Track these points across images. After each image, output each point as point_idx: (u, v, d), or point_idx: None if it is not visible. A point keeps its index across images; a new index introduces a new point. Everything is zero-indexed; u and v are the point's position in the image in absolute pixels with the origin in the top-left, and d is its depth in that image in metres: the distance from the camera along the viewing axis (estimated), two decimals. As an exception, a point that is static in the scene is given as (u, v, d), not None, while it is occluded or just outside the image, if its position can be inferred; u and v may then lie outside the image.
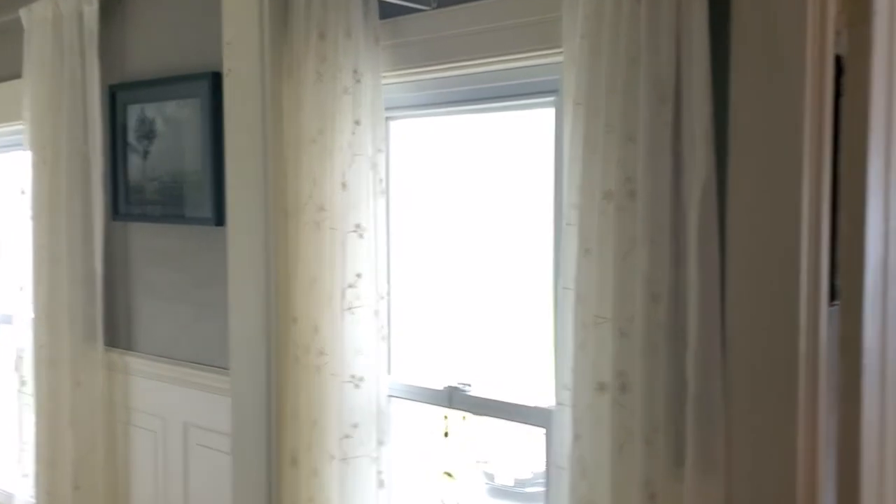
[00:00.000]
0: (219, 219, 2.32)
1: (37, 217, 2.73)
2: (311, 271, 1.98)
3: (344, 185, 1.92)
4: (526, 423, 1.85)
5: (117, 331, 2.70)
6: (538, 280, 1.97)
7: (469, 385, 1.94)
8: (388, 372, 2.04)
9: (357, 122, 1.90)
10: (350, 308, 1.92)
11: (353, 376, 1.94)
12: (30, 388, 2.78)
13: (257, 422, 2.10)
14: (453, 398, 1.95)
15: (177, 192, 2.44)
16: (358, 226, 1.92)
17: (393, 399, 2.04)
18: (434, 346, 2.22)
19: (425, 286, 2.19)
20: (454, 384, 1.95)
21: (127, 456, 2.65)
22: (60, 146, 2.65)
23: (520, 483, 2.41)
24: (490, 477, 2.46)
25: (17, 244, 2.90)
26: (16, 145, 3.20)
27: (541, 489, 2.10)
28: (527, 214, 2.06)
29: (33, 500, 2.78)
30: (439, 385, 1.98)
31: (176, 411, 2.49)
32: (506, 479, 2.43)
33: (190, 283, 2.46)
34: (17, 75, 2.83)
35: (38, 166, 2.72)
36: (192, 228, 2.43)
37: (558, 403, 1.61)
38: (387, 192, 2.00)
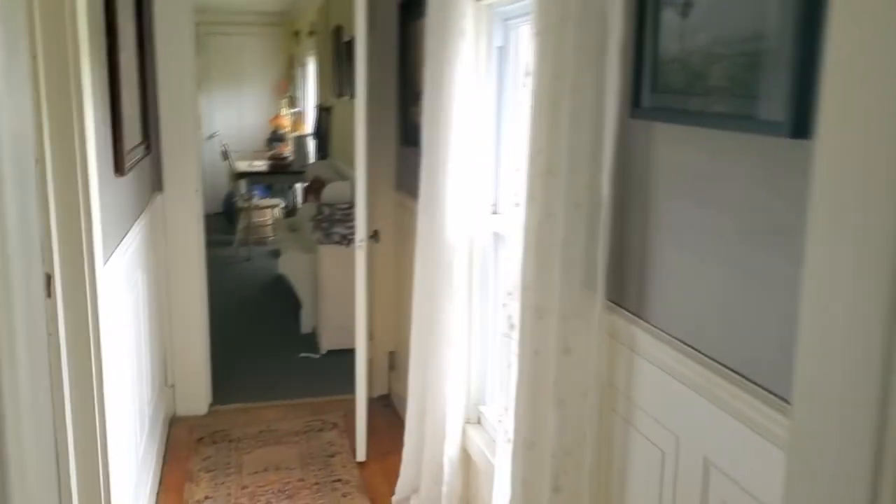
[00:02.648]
0: (798, 126, 1.23)
1: (536, 109, 1.97)
2: None
3: None
4: None
5: (624, 284, 1.83)
6: None
7: None
8: None
9: None
10: None
11: None
12: (516, 334, 2.13)
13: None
14: None
15: (736, 74, 1.40)
16: None
17: None
18: None
19: None
20: None
21: (623, 468, 1.82)
22: (569, 5, 1.81)
23: None
24: None
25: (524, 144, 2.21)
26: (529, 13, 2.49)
27: None
28: None
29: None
30: None
31: (695, 435, 1.55)
32: None
33: (738, 232, 1.43)
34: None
35: (541, 36, 1.93)
36: (754, 141, 1.38)
37: None
38: None
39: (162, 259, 3.90)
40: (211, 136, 10.24)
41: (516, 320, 2.11)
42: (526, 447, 2.02)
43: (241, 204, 8.21)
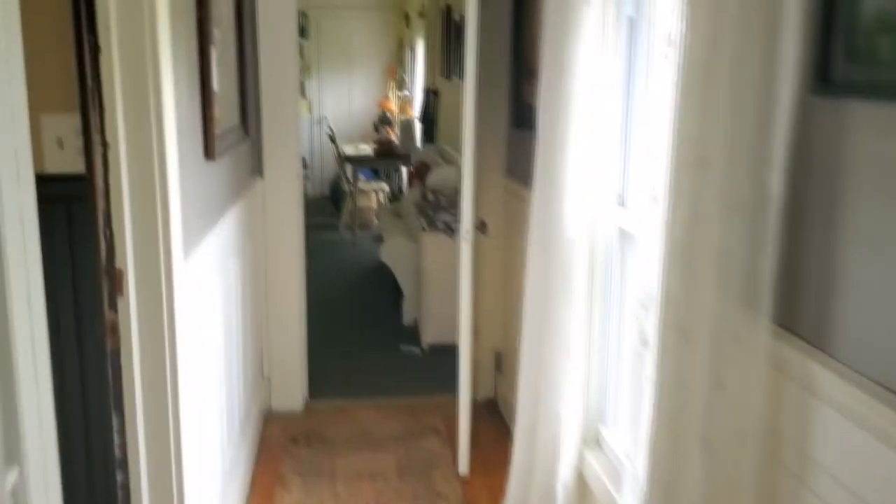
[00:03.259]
0: None
1: (684, 86, 1.61)
2: None
3: None
4: None
5: (798, 305, 1.46)
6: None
7: None
8: None
9: None
10: None
11: None
12: (651, 355, 1.78)
13: None
14: None
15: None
16: None
17: None
18: None
19: None
20: None
21: (789, 535, 1.45)
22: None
23: None
24: None
25: (664, 125, 1.85)
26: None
27: None
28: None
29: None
30: None
31: (904, 514, 1.17)
32: None
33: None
34: None
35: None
36: None
37: None
38: None
39: (260, 247, 3.72)
40: (320, 120, 10.19)
41: (652, 338, 1.77)
42: (661, 492, 1.67)
43: (346, 188, 8.08)
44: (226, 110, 2.78)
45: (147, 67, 1.76)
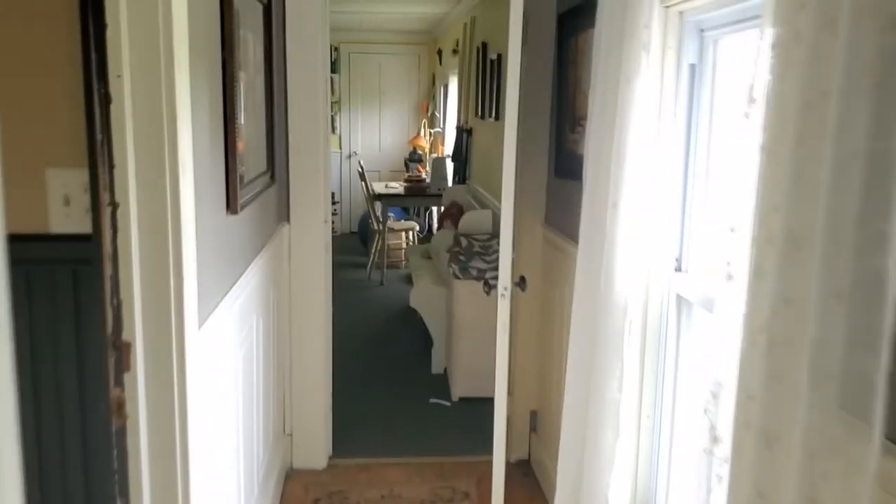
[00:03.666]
0: None
1: (771, 149, 1.40)
2: None
3: None
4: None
5: (917, 418, 1.23)
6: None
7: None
8: None
9: None
10: None
11: None
12: (723, 455, 1.55)
13: None
14: None
15: None
16: None
17: None
18: None
19: None
20: None
21: None
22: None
23: None
24: None
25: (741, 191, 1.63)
26: (745, 20, 1.94)
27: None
28: None
29: None
30: None
31: None
32: None
33: None
34: None
35: (785, 48, 1.36)
36: None
37: None
38: None
39: (284, 295, 3.54)
40: (350, 155, 10.09)
41: (726, 436, 1.54)
42: None
43: (375, 226, 7.92)
44: (252, 157, 2.61)
45: (163, 119, 1.58)
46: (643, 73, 2.22)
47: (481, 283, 4.48)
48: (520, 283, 3.04)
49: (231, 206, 2.23)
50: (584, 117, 3.08)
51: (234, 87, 2.19)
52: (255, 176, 2.68)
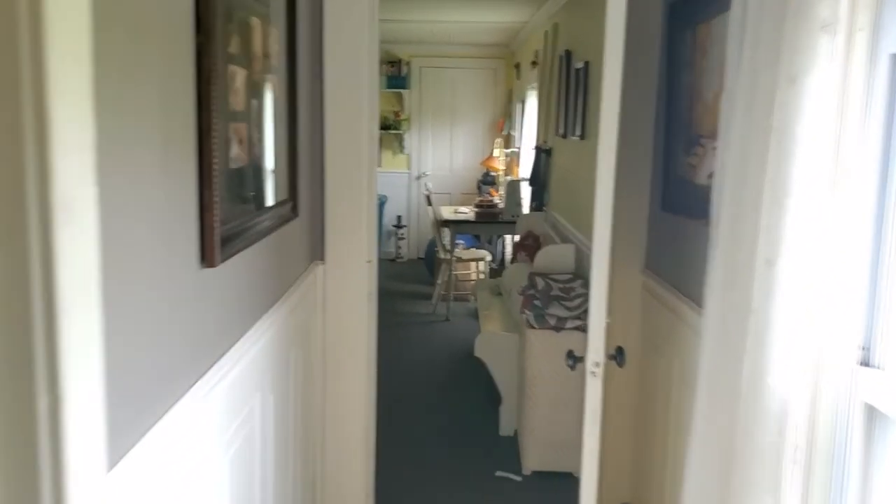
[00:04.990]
0: None
1: None
2: None
3: None
4: None
5: None
6: None
7: None
8: None
9: None
10: None
11: None
12: None
13: None
14: None
15: None
16: None
17: None
18: None
19: None
20: None
21: None
22: None
23: None
24: None
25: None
26: None
27: None
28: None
29: None
30: None
31: None
32: None
33: None
34: None
35: None
36: None
37: None
38: None
39: (316, 352, 2.86)
40: (419, 177, 9.48)
41: None
42: None
43: (442, 255, 7.24)
44: (255, 183, 1.95)
45: (25, 138, 0.91)
46: (820, 68, 1.46)
47: (560, 333, 3.74)
48: (615, 355, 2.28)
49: (207, 255, 1.55)
50: (706, 135, 2.31)
51: (215, 86, 1.52)
52: (264, 208, 2.02)
